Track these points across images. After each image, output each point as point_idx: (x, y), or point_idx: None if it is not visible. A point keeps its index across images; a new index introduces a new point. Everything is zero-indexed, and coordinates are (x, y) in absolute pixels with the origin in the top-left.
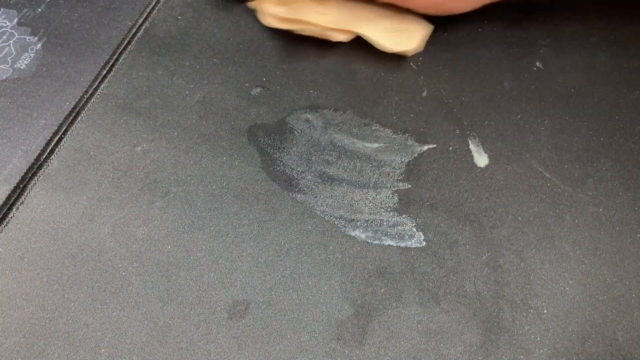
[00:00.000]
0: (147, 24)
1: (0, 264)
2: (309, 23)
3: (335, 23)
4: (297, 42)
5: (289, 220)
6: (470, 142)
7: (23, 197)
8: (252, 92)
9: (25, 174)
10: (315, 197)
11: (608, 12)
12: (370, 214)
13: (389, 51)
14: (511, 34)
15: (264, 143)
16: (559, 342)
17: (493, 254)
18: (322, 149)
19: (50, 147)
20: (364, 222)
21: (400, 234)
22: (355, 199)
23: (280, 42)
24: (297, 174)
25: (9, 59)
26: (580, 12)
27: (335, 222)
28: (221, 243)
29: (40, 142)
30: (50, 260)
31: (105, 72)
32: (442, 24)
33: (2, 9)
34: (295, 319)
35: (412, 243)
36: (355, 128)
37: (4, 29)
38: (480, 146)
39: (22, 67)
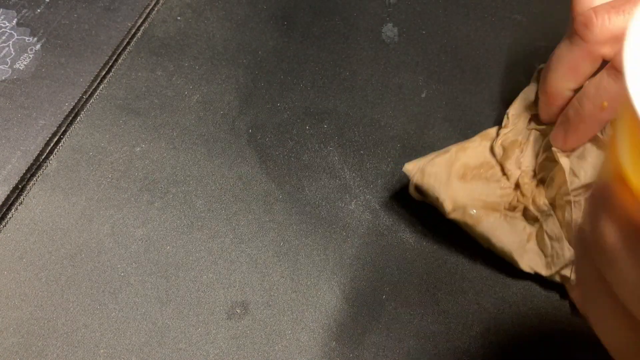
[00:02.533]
0: (146, 24)
1: None
2: None
3: None
4: (296, 42)
5: (288, 221)
6: None
7: (22, 198)
8: (251, 93)
9: (24, 174)
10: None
11: None
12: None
13: None
14: (511, 35)
15: (263, 144)
16: (560, 343)
17: (493, 254)
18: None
19: (49, 148)
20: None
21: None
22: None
23: (279, 42)
24: (297, 174)
25: (8, 59)
26: None
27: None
28: (220, 244)
29: (40, 143)
30: (49, 261)
31: (104, 72)
32: (447, 22)
33: (1, 10)
34: (294, 320)
35: None
36: (354, 128)
37: (3, 29)
38: None
39: (21, 68)
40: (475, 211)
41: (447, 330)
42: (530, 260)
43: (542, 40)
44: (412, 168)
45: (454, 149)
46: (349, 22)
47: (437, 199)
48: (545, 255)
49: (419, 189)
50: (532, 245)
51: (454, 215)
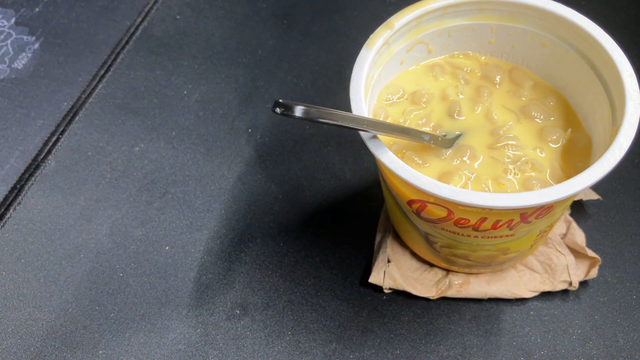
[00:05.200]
0: (145, 23)
1: None
2: None
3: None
4: (296, 41)
5: (287, 221)
6: None
7: (20, 198)
8: (250, 92)
9: (23, 174)
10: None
11: (608, 14)
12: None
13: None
14: None
15: (263, 143)
16: (560, 343)
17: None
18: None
19: (47, 148)
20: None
21: None
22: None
23: (279, 41)
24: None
25: (6, 58)
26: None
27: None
28: (219, 244)
29: (38, 143)
30: (48, 261)
31: (103, 72)
32: None
33: None
34: (294, 321)
35: None
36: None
37: (1, 28)
38: None
39: (19, 67)
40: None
41: (448, 332)
42: None
43: None
44: (378, 280)
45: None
46: (349, 21)
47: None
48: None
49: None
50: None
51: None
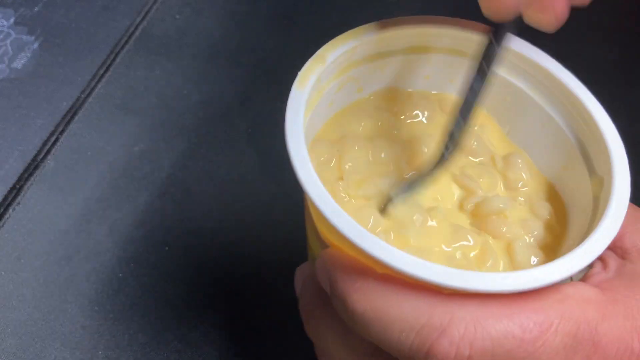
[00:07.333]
0: (144, 23)
1: None
2: None
3: None
4: (297, 41)
5: (288, 222)
6: None
7: (20, 198)
8: (251, 92)
9: (22, 174)
10: None
11: (609, 11)
12: None
13: None
14: None
15: (263, 143)
16: None
17: None
18: None
19: (47, 148)
20: None
21: None
22: None
23: (279, 40)
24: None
25: (5, 58)
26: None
27: None
28: (220, 244)
29: (37, 142)
30: (47, 262)
31: (102, 71)
32: None
33: None
34: (296, 321)
35: None
36: None
37: (0, 28)
38: None
39: (18, 67)
40: None
41: None
42: None
43: None
44: None
45: None
46: (350, 21)
47: None
48: None
49: None
50: None
51: None
